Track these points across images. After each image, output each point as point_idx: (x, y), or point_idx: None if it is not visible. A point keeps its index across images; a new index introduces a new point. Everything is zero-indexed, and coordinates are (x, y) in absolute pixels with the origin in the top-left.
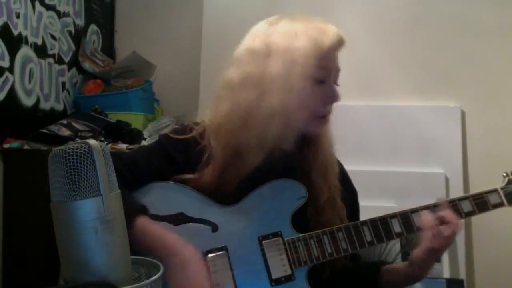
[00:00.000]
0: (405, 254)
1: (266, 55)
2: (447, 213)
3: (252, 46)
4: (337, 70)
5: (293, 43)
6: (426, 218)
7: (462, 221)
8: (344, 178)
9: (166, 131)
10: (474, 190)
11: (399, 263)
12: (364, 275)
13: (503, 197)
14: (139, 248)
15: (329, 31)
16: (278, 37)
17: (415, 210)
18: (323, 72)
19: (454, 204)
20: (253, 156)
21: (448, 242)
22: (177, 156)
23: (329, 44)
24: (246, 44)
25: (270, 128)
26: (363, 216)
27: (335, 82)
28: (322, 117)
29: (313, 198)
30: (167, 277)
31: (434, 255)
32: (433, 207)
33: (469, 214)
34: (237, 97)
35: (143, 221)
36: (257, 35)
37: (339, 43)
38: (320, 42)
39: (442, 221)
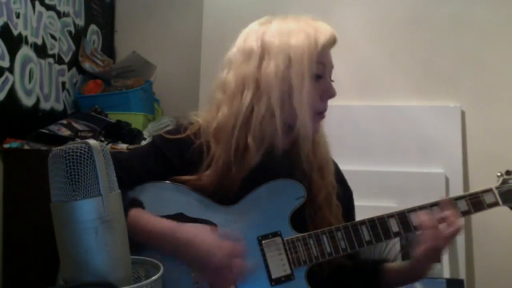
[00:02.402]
0: (405, 254)
1: (260, 55)
2: (450, 213)
3: (246, 46)
4: (331, 66)
5: (288, 41)
6: (427, 218)
7: (463, 220)
8: (340, 177)
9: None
10: (474, 190)
11: (399, 262)
12: (365, 274)
13: (497, 197)
14: (137, 241)
15: (323, 28)
16: (272, 36)
17: (412, 210)
18: (320, 68)
19: (455, 203)
20: (254, 156)
21: (448, 242)
22: (172, 157)
23: (324, 41)
24: (239, 45)
25: (270, 128)
26: (363, 216)
27: (330, 78)
28: (320, 113)
29: (311, 197)
30: (188, 263)
31: (434, 254)
32: (431, 206)
33: (465, 213)
34: (234, 99)
35: (135, 212)
36: (249, 36)
37: (333, 40)
38: (315, 38)
39: (443, 221)
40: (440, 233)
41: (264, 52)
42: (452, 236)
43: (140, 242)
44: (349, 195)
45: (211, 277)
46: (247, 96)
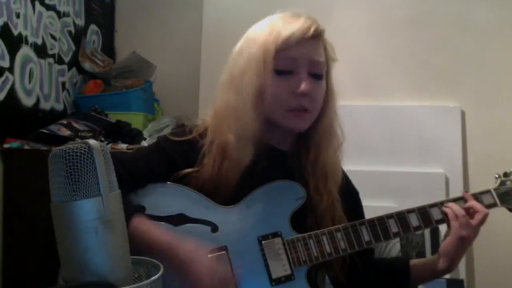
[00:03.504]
0: (405, 254)
1: (238, 55)
2: (474, 203)
3: (235, 48)
4: (309, 60)
5: (254, 38)
6: (452, 209)
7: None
8: (346, 183)
9: (166, 131)
10: (474, 190)
11: (425, 258)
12: (393, 272)
13: (495, 198)
14: (136, 248)
15: (293, 22)
16: (249, 34)
17: (411, 210)
18: (285, 63)
19: (477, 197)
20: (237, 153)
21: (475, 231)
22: (177, 158)
23: (287, 34)
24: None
25: (245, 125)
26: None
27: (309, 73)
28: (296, 111)
29: (312, 204)
30: (174, 279)
31: (463, 245)
32: (430, 207)
33: None
34: (220, 98)
35: (137, 221)
36: (240, 40)
37: (301, 33)
38: (278, 33)
39: (468, 212)
40: (467, 223)
41: (239, 51)
42: (480, 224)
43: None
44: (356, 196)
45: None
46: (227, 95)
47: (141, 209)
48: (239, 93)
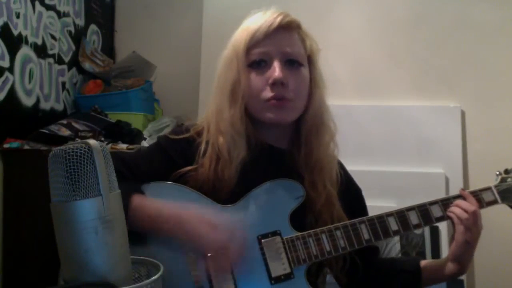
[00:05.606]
0: (405, 254)
1: (220, 58)
2: (459, 203)
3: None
4: (280, 51)
5: (230, 41)
6: (455, 213)
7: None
8: (347, 181)
9: (166, 131)
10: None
11: (435, 260)
12: (403, 273)
13: (496, 195)
14: (139, 227)
15: (261, 17)
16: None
17: (411, 208)
18: (257, 57)
19: (477, 194)
20: (231, 150)
21: (475, 230)
22: (176, 157)
23: (255, 29)
24: None
25: (228, 123)
26: None
27: (283, 61)
28: (274, 101)
29: (310, 201)
30: (182, 245)
31: (470, 246)
32: (430, 205)
33: None
34: (209, 103)
35: (138, 200)
36: None
37: (267, 25)
38: (247, 30)
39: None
40: (469, 224)
41: (221, 55)
42: (475, 224)
43: (143, 228)
44: (358, 193)
45: (208, 260)
46: (211, 99)
47: (138, 189)
48: (219, 94)
